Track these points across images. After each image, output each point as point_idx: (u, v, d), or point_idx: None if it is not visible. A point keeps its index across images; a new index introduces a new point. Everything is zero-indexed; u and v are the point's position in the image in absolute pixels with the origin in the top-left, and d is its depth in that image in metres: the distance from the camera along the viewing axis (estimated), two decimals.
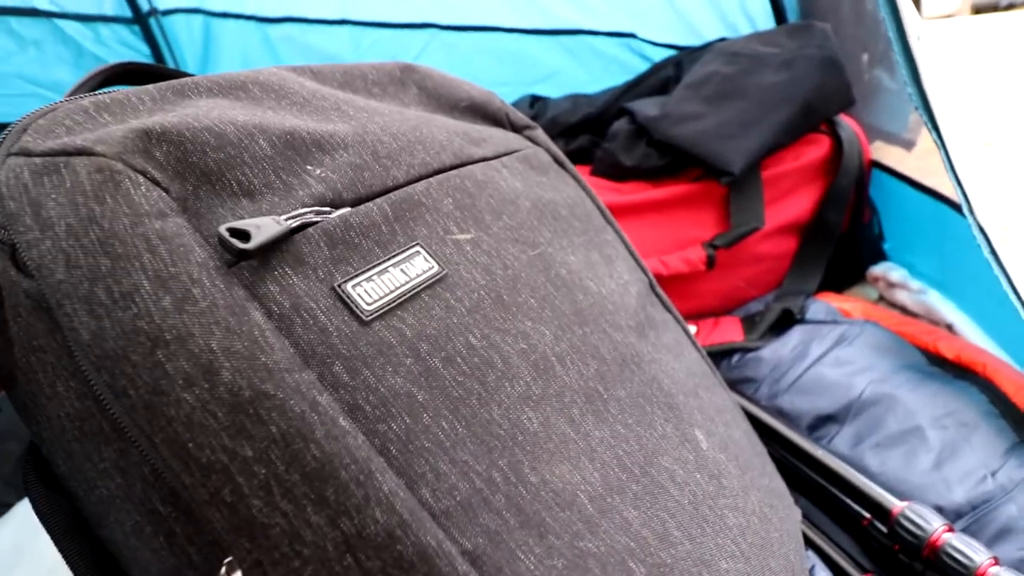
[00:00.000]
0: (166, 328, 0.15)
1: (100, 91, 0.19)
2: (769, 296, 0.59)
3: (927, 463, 0.39)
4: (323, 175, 0.19)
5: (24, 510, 0.42)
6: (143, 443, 0.16)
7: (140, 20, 0.79)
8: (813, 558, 0.36)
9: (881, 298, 0.60)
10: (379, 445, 0.16)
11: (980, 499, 0.36)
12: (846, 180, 0.55)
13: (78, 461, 0.18)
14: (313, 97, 0.22)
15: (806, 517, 0.40)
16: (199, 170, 0.17)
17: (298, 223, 0.17)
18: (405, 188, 0.22)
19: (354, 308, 0.17)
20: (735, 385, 0.50)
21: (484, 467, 0.17)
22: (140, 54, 0.81)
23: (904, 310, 0.56)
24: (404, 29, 0.77)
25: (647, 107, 0.57)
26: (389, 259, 0.19)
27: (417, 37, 0.77)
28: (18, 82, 0.71)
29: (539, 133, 0.33)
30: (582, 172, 0.63)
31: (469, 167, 0.25)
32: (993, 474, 0.37)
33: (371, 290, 0.18)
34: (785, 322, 0.53)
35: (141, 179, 0.16)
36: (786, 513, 0.30)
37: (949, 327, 0.51)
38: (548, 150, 0.33)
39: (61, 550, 0.21)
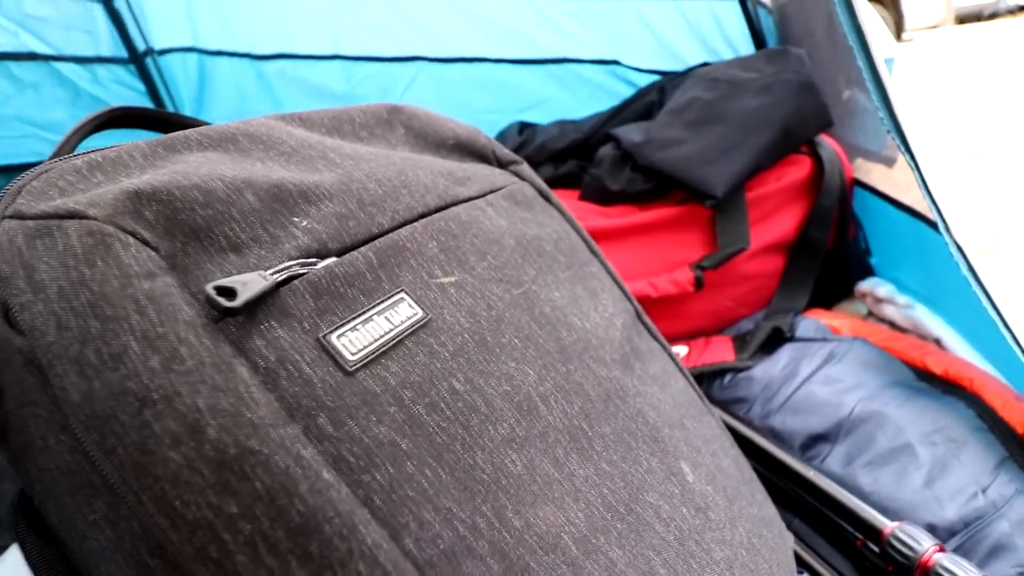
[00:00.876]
0: (153, 388, 0.15)
1: (94, 149, 0.20)
2: (759, 314, 0.59)
3: (918, 480, 0.39)
4: (309, 226, 0.20)
5: (18, 554, 0.41)
6: (131, 499, 0.16)
7: (136, 60, 0.81)
8: None
9: (870, 313, 0.60)
10: (363, 496, 0.16)
11: (972, 516, 0.36)
12: (829, 199, 0.56)
13: (69, 512, 0.18)
14: (300, 146, 0.23)
15: (801, 539, 0.40)
16: (188, 227, 0.17)
17: (284, 276, 0.18)
18: (390, 235, 0.22)
19: (338, 359, 0.18)
20: (727, 405, 0.51)
21: (468, 514, 0.17)
22: (137, 92, 0.83)
23: (893, 325, 0.56)
24: (394, 63, 0.79)
25: (631, 133, 0.59)
26: (373, 307, 0.19)
27: (406, 70, 0.79)
28: (16, 124, 0.72)
29: (524, 168, 0.33)
30: (570, 196, 0.64)
31: (454, 208, 0.26)
32: (984, 490, 0.37)
33: (355, 339, 0.18)
34: (775, 340, 0.54)
35: (131, 240, 0.16)
36: (776, 542, 0.30)
37: (937, 341, 0.52)
38: (533, 184, 0.33)
39: None
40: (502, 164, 0.33)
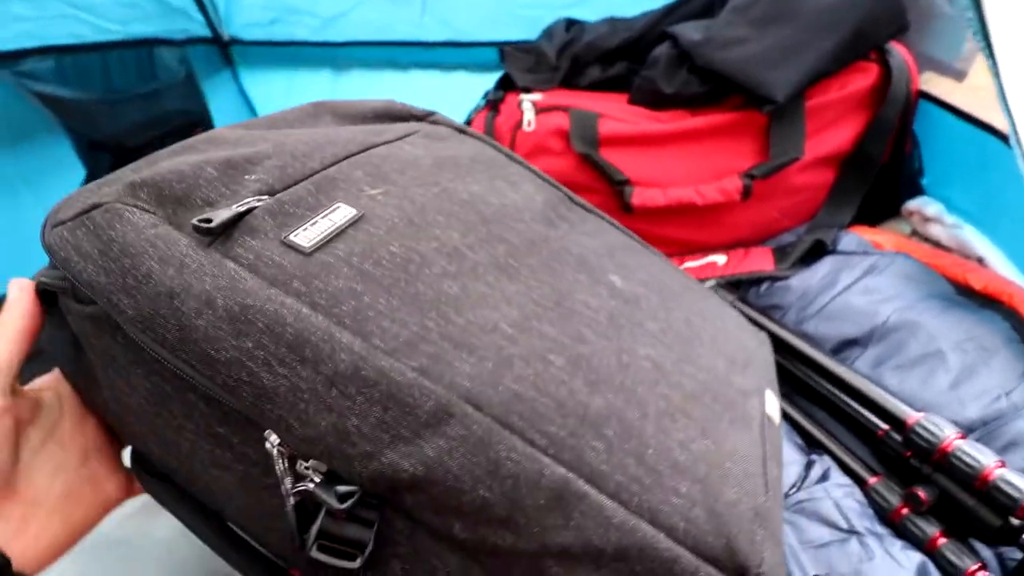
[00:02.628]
0: (175, 286, 0.21)
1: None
2: (801, 228, 0.60)
3: (945, 383, 0.41)
4: (257, 178, 0.26)
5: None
6: (187, 371, 0.22)
7: None
8: (828, 462, 0.40)
9: (914, 233, 0.60)
10: (335, 319, 0.22)
11: (992, 416, 0.39)
12: (892, 111, 0.54)
13: (162, 433, 0.25)
14: (241, 138, 0.29)
15: (823, 427, 0.43)
16: (172, 198, 0.24)
17: (245, 208, 0.24)
18: (322, 172, 0.28)
19: (298, 248, 0.24)
20: (762, 312, 0.52)
21: (417, 320, 0.23)
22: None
23: (937, 244, 0.56)
24: None
25: (690, 31, 0.56)
26: (318, 216, 0.25)
27: None
28: (55, 4, 0.70)
29: (439, 116, 0.40)
30: (618, 100, 0.62)
31: (373, 150, 0.31)
32: (1008, 394, 0.39)
33: (308, 235, 0.24)
34: (816, 253, 0.55)
35: (135, 209, 0.23)
36: (723, 324, 0.34)
37: (980, 261, 0.52)
38: (447, 125, 0.39)
39: (175, 515, 0.29)
40: (418, 118, 0.39)
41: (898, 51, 0.55)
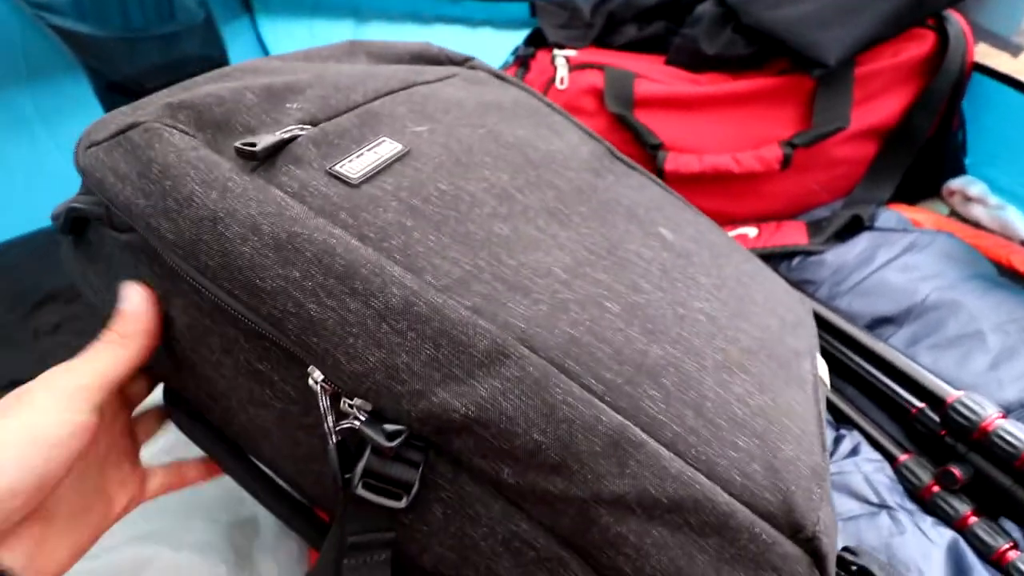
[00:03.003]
0: (219, 210, 0.20)
1: None
2: (837, 204, 0.58)
3: (983, 364, 0.40)
4: (299, 107, 0.25)
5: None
6: (229, 302, 0.21)
7: None
8: (858, 437, 0.39)
9: (952, 213, 0.58)
10: (386, 253, 0.21)
11: None
12: (944, 82, 0.52)
13: (199, 369, 0.24)
14: (279, 68, 0.28)
15: (854, 403, 0.42)
16: (212, 122, 0.23)
17: (289, 135, 0.23)
18: (365, 105, 0.27)
19: (345, 180, 0.23)
20: (793, 286, 0.51)
21: (470, 259, 0.22)
22: None
23: (977, 225, 0.55)
24: None
25: None
26: (363, 148, 0.25)
27: None
28: None
29: (477, 62, 0.39)
30: (655, 61, 0.60)
31: (415, 87, 0.31)
32: None
33: (354, 167, 0.23)
34: (853, 228, 0.53)
35: (175, 130, 0.22)
36: (772, 287, 0.33)
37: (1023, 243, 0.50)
38: (486, 70, 0.38)
39: (208, 453, 0.28)
40: (455, 63, 0.38)
41: (956, 19, 0.52)
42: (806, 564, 0.21)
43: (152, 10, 0.68)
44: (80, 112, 0.66)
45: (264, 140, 0.22)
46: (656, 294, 0.25)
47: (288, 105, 0.25)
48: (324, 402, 0.21)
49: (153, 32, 0.68)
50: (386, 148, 0.25)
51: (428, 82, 0.32)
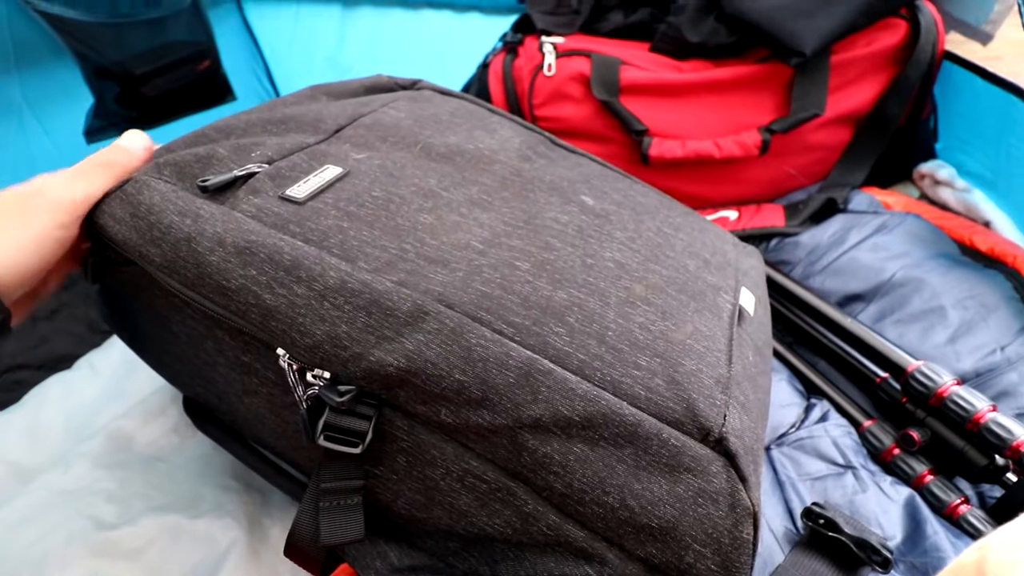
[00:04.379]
0: (192, 231, 0.25)
1: None
2: (813, 188, 0.60)
3: (943, 338, 0.43)
4: (260, 153, 0.30)
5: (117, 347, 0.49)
6: (208, 305, 0.25)
7: None
8: (827, 406, 0.42)
9: (923, 196, 0.61)
10: (326, 249, 0.26)
11: (986, 368, 0.41)
12: (916, 71, 0.54)
13: (203, 372, 0.29)
14: (247, 126, 0.33)
15: (824, 375, 0.45)
16: (190, 175, 0.28)
17: (244, 173, 0.28)
18: (315, 146, 0.32)
19: (293, 200, 0.28)
20: (772, 267, 0.54)
21: (396, 245, 0.26)
22: None
23: (945, 208, 0.57)
24: None
25: None
26: (310, 176, 0.30)
27: None
28: None
29: (424, 83, 0.45)
30: (640, 48, 0.61)
31: (360, 119, 0.36)
32: (1003, 348, 0.41)
33: (301, 190, 0.28)
34: (827, 211, 0.55)
35: (160, 181, 0.27)
36: (701, 236, 0.36)
37: (987, 224, 0.53)
38: (432, 89, 0.44)
39: (223, 446, 0.33)
40: (404, 88, 0.44)
41: (928, 8, 0.55)
42: (720, 464, 0.23)
43: None
44: (69, 99, 0.66)
45: (216, 178, 0.27)
46: (566, 250, 0.29)
47: (252, 154, 0.30)
48: (292, 376, 0.24)
49: (140, 17, 0.68)
50: (329, 172, 0.30)
51: (373, 111, 0.37)
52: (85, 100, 0.66)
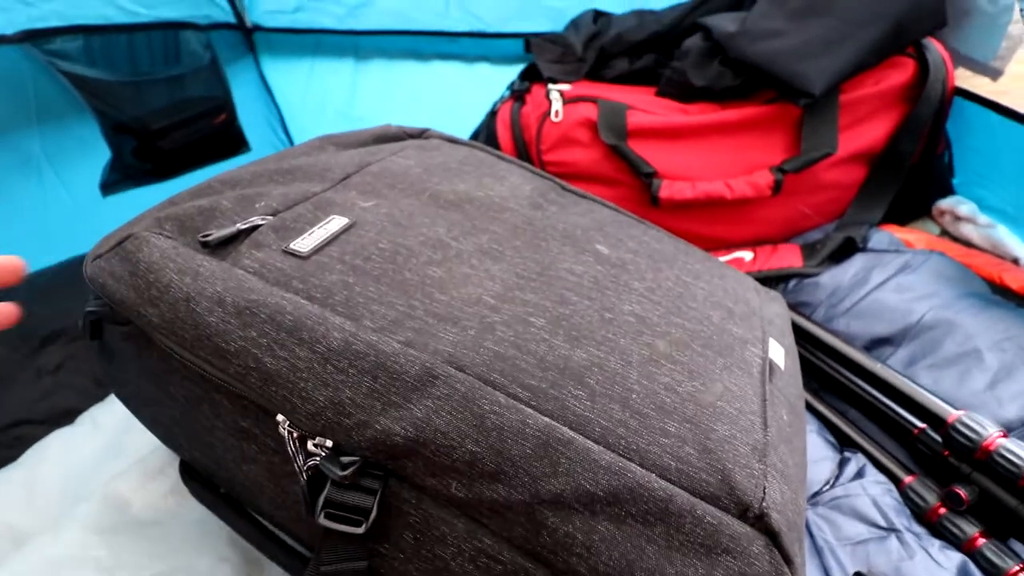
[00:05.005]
0: (191, 291, 0.24)
1: None
2: (829, 226, 0.59)
3: (981, 383, 0.40)
4: (264, 204, 0.30)
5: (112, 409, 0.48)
6: (207, 368, 0.24)
7: None
8: (862, 460, 0.39)
9: (944, 233, 0.59)
10: (329, 307, 0.24)
11: None
12: (927, 108, 0.53)
13: (200, 437, 0.27)
14: (253, 177, 0.33)
15: (857, 426, 0.42)
16: (193, 228, 0.27)
17: (248, 226, 0.28)
18: (321, 194, 0.31)
19: (297, 254, 0.27)
20: (792, 310, 0.52)
21: (404, 302, 0.25)
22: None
23: (968, 244, 0.55)
24: None
25: (724, 22, 0.55)
26: (315, 227, 0.28)
27: None
28: None
29: (432, 132, 0.44)
30: (646, 92, 0.62)
31: (368, 167, 0.35)
32: None
33: (305, 243, 0.27)
34: (846, 250, 0.54)
35: (160, 236, 0.27)
36: (722, 283, 0.34)
37: (1015, 261, 0.51)
38: (440, 138, 0.44)
39: (217, 514, 0.32)
40: (412, 136, 0.44)
41: (935, 47, 0.55)
42: (762, 544, 0.21)
43: (159, 54, 0.71)
44: (86, 153, 0.67)
45: (218, 232, 0.26)
46: (583, 303, 0.27)
47: (257, 205, 0.29)
48: (292, 445, 0.23)
49: (160, 75, 0.71)
50: (335, 224, 0.29)
51: (381, 159, 0.36)
52: (102, 154, 0.68)
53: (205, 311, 0.24)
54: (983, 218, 0.55)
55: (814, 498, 0.36)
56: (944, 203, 0.58)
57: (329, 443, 0.22)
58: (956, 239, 0.57)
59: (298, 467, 0.23)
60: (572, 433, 0.21)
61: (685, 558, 0.20)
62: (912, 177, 0.58)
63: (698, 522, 0.20)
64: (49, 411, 0.51)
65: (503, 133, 0.63)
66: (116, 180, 0.68)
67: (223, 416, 0.26)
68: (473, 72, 0.88)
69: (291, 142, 0.94)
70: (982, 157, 0.56)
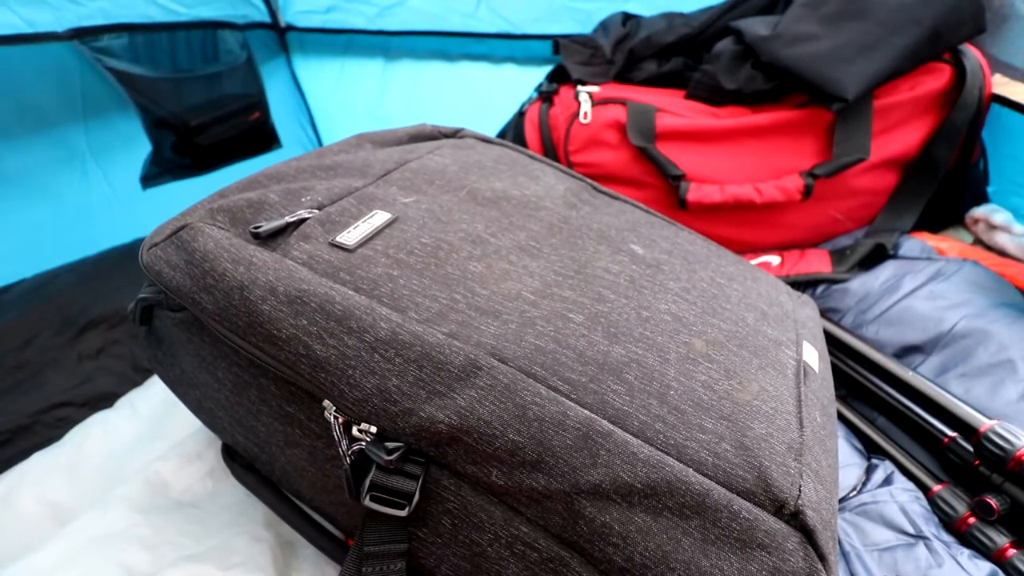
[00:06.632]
0: (245, 280, 0.25)
1: None
2: (859, 232, 0.58)
3: (1015, 394, 0.40)
4: (310, 198, 0.31)
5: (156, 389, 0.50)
6: (257, 354, 0.25)
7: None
8: (890, 467, 0.39)
9: (977, 241, 0.58)
10: (376, 298, 0.26)
11: None
12: (963, 115, 0.53)
13: (245, 420, 0.28)
14: (297, 172, 0.34)
15: (886, 434, 0.42)
16: (243, 219, 0.29)
17: (296, 219, 0.29)
18: (362, 190, 0.33)
19: (343, 247, 0.28)
20: (821, 316, 0.51)
21: (447, 295, 0.26)
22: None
23: (1003, 253, 0.55)
24: None
25: (757, 26, 0.55)
26: (359, 221, 0.30)
27: None
28: None
29: (467, 131, 0.46)
30: (675, 95, 0.62)
31: (406, 164, 0.36)
32: None
33: (351, 237, 0.29)
34: (876, 257, 0.53)
35: (214, 227, 0.28)
36: (755, 285, 0.35)
37: None
38: (475, 137, 0.45)
39: (258, 496, 0.33)
40: (447, 136, 0.45)
41: (973, 53, 0.54)
42: (797, 541, 0.21)
43: (198, 52, 0.73)
44: (129, 147, 0.70)
45: (268, 224, 0.28)
46: (620, 301, 0.28)
47: (303, 199, 0.30)
48: (338, 429, 0.24)
49: (199, 72, 0.73)
50: (378, 218, 0.30)
51: (418, 157, 0.37)
52: (143, 148, 0.70)
53: (258, 299, 0.25)
54: (1018, 227, 0.54)
55: (841, 503, 0.36)
56: (978, 211, 0.57)
57: (374, 429, 0.23)
58: (990, 248, 0.56)
59: (343, 451, 0.24)
60: (611, 426, 0.22)
61: (720, 552, 0.21)
62: (946, 184, 0.57)
63: (734, 517, 0.21)
64: (89, 394, 0.53)
65: (531, 133, 0.63)
66: (156, 173, 0.70)
67: (269, 401, 0.27)
68: (500, 73, 0.89)
69: (319, 140, 0.96)
70: (1019, 165, 0.55)
